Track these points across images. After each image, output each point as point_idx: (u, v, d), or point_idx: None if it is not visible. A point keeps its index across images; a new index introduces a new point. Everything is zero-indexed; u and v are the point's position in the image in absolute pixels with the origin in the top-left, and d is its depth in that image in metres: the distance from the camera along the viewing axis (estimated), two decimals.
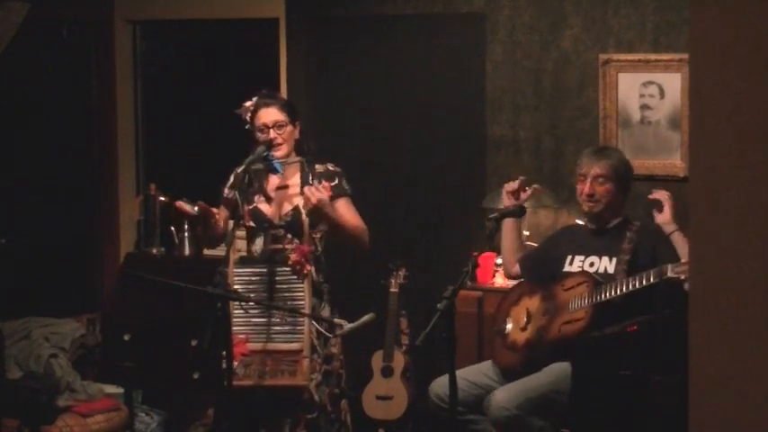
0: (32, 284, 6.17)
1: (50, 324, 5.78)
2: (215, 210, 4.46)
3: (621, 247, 4.50)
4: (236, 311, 4.35)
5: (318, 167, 4.50)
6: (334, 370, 4.48)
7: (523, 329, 4.56)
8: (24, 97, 6.31)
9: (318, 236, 4.44)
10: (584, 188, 4.59)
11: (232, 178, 4.59)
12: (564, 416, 4.40)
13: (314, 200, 4.28)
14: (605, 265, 4.54)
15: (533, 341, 4.49)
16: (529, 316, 4.57)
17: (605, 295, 4.33)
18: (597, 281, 4.42)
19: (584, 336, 4.35)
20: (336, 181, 4.47)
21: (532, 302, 4.59)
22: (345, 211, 4.47)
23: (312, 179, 4.45)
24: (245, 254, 4.50)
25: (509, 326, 4.63)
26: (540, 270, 4.71)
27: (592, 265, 4.57)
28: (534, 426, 4.35)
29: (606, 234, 4.60)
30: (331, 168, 4.51)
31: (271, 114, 4.44)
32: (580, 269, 4.57)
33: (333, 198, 4.42)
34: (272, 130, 4.41)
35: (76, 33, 6.44)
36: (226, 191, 4.62)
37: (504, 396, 4.36)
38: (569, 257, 4.64)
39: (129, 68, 6.39)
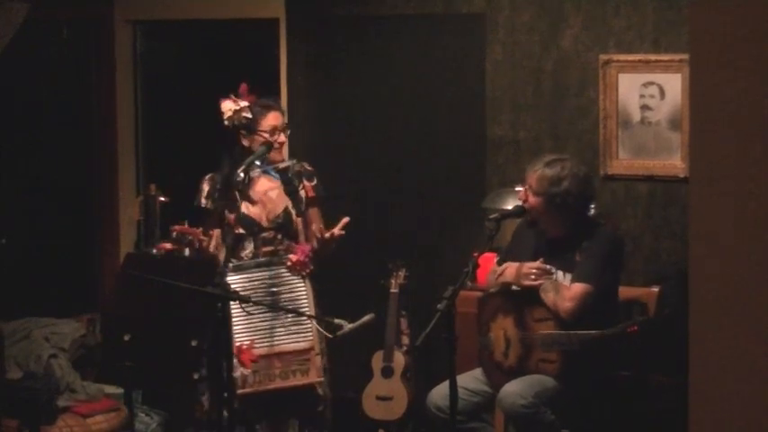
0: (32, 284, 6.17)
1: (50, 324, 5.78)
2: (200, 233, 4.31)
3: (575, 261, 4.42)
4: (236, 318, 4.33)
5: (296, 167, 4.55)
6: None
7: (506, 355, 4.52)
8: (24, 97, 6.30)
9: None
10: (520, 194, 4.54)
11: (207, 188, 4.51)
12: (565, 415, 4.39)
13: (336, 236, 4.32)
14: (565, 282, 4.44)
15: (516, 369, 4.47)
16: (507, 341, 4.52)
17: (568, 343, 4.28)
18: (561, 318, 4.35)
19: (560, 376, 4.35)
20: (315, 181, 4.55)
21: (507, 323, 4.53)
22: (316, 221, 4.51)
23: (291, 178, 4.51)
24: (236, 261, 4.46)
25: (492, 343, 4.58)
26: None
27: None
28: (546, 419, 4.32)
29: (561, 242, 4.48)
30: (309, 168, 4.58)
31: (279, 118, 4.50)
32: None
33: (315, 201, 4.51)
34: (282, 134, 4.47)
35: (76, 33, 6.44)
36: (203, 202, 4.51)
37: (518, 387, 4.34)
38: None
39: (129, 68, 6.38)
